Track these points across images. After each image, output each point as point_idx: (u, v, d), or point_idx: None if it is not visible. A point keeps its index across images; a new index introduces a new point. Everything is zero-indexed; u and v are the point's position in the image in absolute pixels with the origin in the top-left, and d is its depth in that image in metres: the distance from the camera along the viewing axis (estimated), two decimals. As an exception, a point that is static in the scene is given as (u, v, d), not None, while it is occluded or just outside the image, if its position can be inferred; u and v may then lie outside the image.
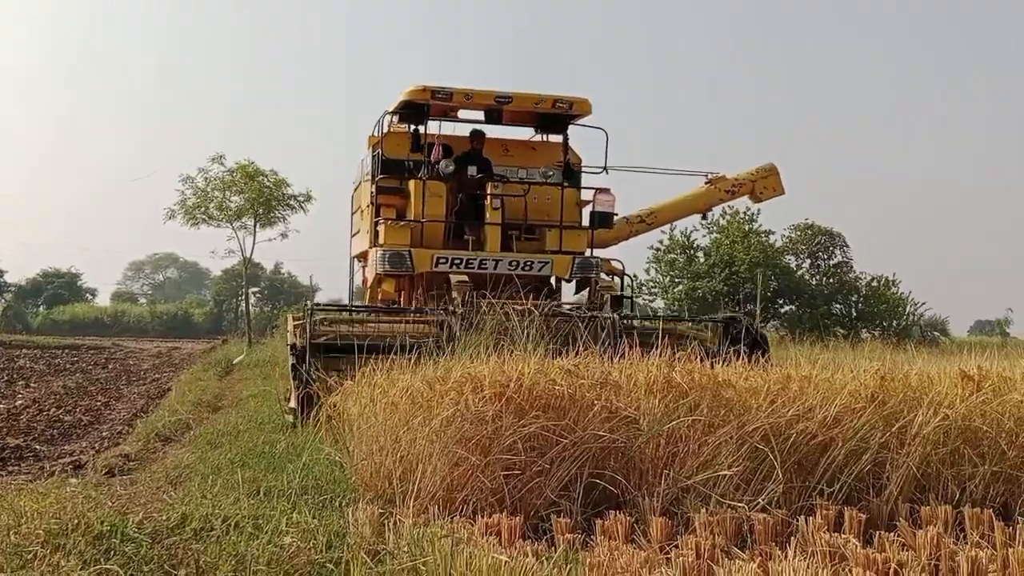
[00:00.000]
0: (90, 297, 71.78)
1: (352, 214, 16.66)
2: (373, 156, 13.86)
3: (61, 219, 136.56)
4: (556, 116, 14.04)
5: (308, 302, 10.67)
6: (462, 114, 14.54)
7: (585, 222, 14.07)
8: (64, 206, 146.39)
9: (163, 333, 57.36)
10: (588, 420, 6.51)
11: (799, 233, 35.87)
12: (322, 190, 37.23)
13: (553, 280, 13.94)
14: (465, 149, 14.04)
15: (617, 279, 14.70)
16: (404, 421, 6.54)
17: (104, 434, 12.15)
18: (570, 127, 14.32)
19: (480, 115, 14.44)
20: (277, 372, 17.49)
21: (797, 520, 5.90)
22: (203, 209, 31.83)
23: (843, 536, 5.58)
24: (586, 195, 14.11)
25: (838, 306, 34.26)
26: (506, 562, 4.58)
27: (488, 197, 13.27)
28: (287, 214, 32.98)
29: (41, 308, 64.76)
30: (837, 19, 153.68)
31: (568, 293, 14.27)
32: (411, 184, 13.40)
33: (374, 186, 13.60)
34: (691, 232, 34.05)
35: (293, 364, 10.66)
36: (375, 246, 13.39)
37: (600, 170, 13.88)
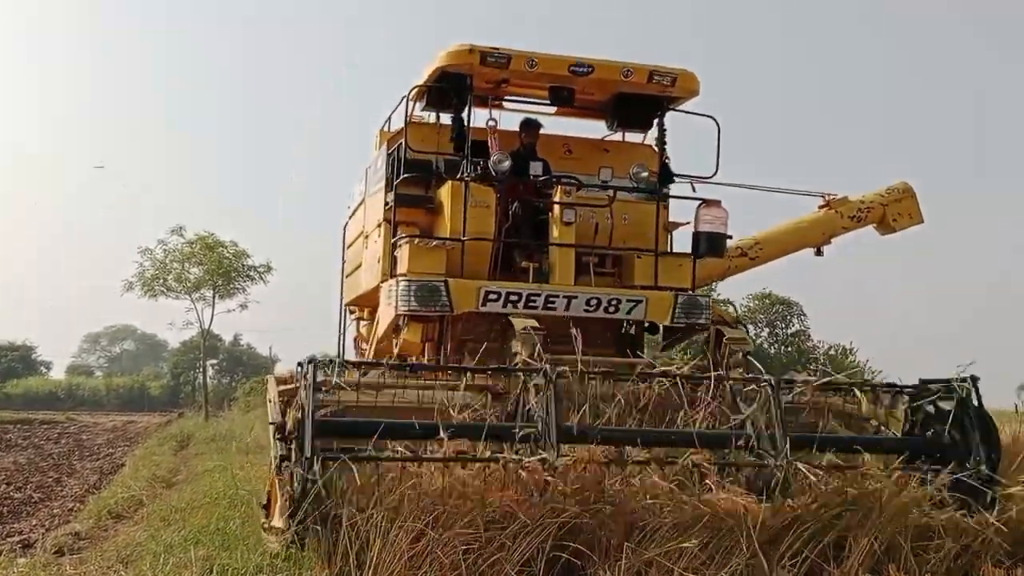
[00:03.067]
0: (44, 370, 70.79)
1: (346, 248, 13.09)
2: (389, 154, 10.25)
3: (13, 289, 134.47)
4: (647, 99, 10.23)
5: (306, 359, 6.82)
6: (507, 101, 10.81)
7: (678, 247, 10.57)
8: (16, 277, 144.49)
9: (119, 407, 56.44)
10: (551, 494, 6.41)
11: (757, 302, 36.26)
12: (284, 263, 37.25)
13: (631, 326, 10.19)
14: (512, 146, 10.16)
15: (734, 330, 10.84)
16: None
17: (55, 511, 11.85)
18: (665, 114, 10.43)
19: (531, 98, 10.73)
20: (233, 446, 17.26)
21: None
22: (161, 281, 31.77)
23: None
24: (675, 213, 10.60)
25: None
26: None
27: (557, 208, 9.63)
28: (247, 285, 33.01)
29: (-7, 382, 63.57)
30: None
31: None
32: (444, 190, 9.69)
33: (392, 194, 9.88)
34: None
35: (282, 456, 6.56)
36: (393, 276, 9.63)
37: (708, 176, 10.03)
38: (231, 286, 32.46)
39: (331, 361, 6.84)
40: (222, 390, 50.93)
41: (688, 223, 10.33)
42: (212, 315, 33.09)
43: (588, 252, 9.92)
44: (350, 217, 12.94)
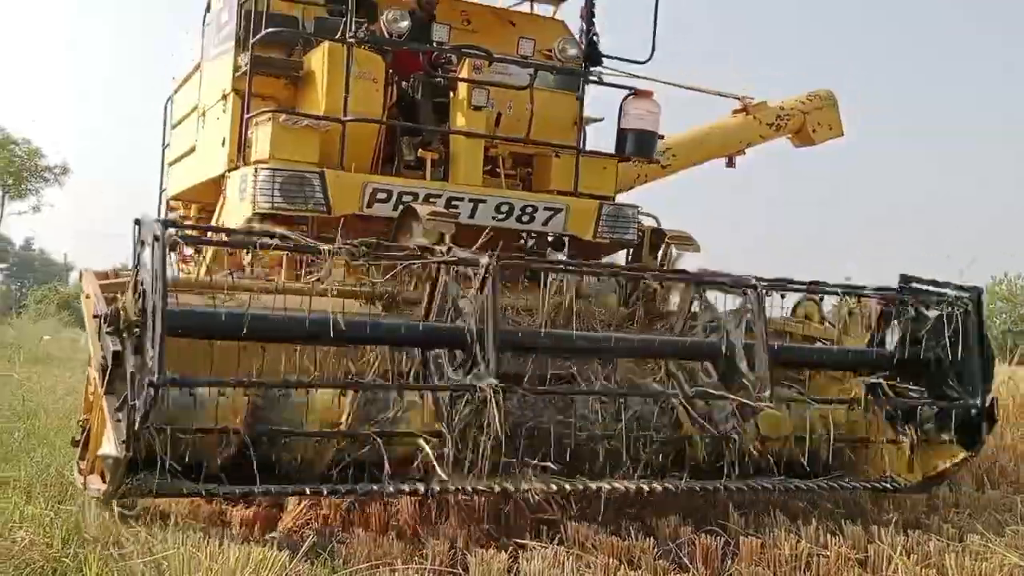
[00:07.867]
0: None
1: (172, 127, 10.56)
2: (241, 4, 7.86)
3: None
4: None
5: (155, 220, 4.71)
6: None
7: (593, 144, 8.63)
8: None
9: None
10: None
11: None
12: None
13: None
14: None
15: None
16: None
17: None
18: None
19: None
20: (21, 354, 16.52)
21: None
22: (-57, 177, 29.80)
23: None
24: (590, 106, 8.61)
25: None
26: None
27: (464, 87, 7.60)
28: (40, 187, 31.50)
29: None
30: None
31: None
32: (317, 56, 7.55)
33: (246, 56, 7.48)
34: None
35: (113, 355, 4.81)
36: (250, 163, 7.33)
37: (642, 60, 8.22)
38: (22, 187, 30.83)
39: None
40: (11, 296, 48.39)
41: (601, 120, 8.79)
42: (0, 216, 31.32)
43: (495, 147, 8.12)
44: (178, 89, 10.39)
